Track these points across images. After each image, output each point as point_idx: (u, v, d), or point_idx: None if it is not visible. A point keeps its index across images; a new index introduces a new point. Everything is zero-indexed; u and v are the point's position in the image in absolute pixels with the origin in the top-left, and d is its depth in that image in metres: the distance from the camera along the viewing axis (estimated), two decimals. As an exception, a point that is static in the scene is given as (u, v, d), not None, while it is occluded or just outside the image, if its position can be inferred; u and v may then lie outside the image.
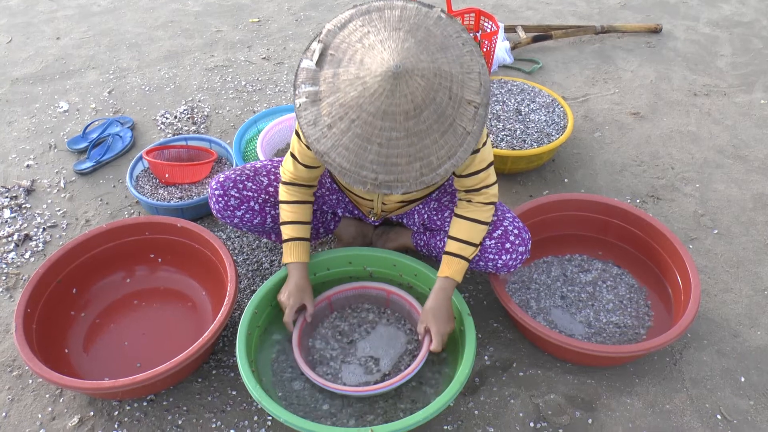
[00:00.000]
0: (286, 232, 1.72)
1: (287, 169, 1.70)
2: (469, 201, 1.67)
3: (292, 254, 1.72)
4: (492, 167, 1.62)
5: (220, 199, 1.71)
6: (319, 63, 1.31)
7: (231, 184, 1.71)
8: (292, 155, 1.65)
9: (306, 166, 1.65)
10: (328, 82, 1.29)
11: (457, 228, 1.67)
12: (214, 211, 1.74)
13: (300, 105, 1.33)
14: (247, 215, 1.73)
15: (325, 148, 1.31)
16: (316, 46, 1.32)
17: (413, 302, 1.80)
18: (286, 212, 1.72)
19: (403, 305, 1.84)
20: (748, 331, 1.93)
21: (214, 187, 1.72)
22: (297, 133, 1.60)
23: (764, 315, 1.98)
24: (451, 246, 1.67)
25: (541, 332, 1.70)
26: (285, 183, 1.72)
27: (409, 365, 1.69)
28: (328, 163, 1.32)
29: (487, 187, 1.64)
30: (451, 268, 1.65)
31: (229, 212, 1.72)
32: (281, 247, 2.16)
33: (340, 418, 1.66)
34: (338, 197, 1.89)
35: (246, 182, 1.73)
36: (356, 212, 1.95)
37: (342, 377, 1.71)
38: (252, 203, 1.72)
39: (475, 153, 1.54)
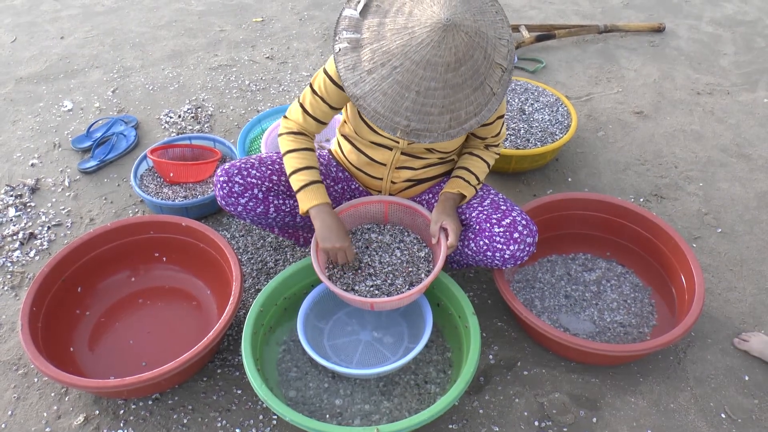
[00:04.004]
0: (301, 178, 1.67)
1: (294, 120, 1.74)
2: (486, 147, 1.82)
3: (315, 198, 1.65)
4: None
5: (225, 185, 1.72)
6: (363, 12, 1.40)
7: (235, 171, 1.72)
8: (302, 107, 1.70)
9: (315, 119, 1.70)
10: (373, 30, 1.38)
11: (470, 162, 1.79)
12: (218, 198, 1.75)
13: (340, 50, 1.41)
14: (251, 203, 1.73)
15: (361, 92, 1.39)
16: None
17: (412, 205, 1.80)
18: (295, 160, 1.69)
19: (403, 212, 1.83)
20: (752, 330, 1.93)
21: (219, 174, 1.73)
22: (311, 87, 1.66)
23: (768, 314, 1.98)
24: (459, 172, 1.77)
25: (545, 331, 1.70)
26: (289, 133, 1.73)
27: (429, 271, 1.71)
28: (362, 107, 1.40)
29: (498, 137, 1.79)
30: (458, 185, 1.74)
31: (233, 199, 1.73)
32: (286, 246, 2.16)
33: (346, 418, 1.66)
34: (344, 186, 1.89)
35: (250, 170, 1.73)
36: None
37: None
38: (255, 191, 1.73)
39: None
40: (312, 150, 1.73)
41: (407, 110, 1.38)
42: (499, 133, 1.77)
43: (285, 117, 1.77)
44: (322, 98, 1.65)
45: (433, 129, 1.41)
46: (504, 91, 1.44)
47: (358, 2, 1.40)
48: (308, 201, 1.65)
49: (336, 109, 1.68)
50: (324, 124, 1.73)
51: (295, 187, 1.68)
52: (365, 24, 1.39)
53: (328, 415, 1.66)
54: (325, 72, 1.62)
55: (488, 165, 1.81)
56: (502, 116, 1.72)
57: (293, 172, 1.68)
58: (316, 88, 1.65)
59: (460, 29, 1.32)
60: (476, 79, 1.38)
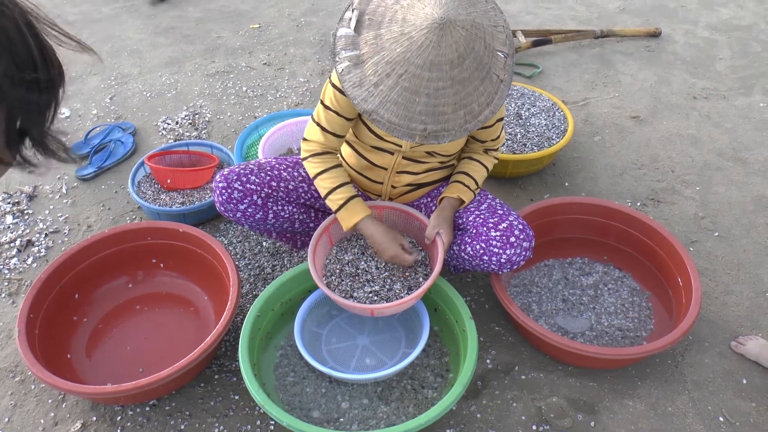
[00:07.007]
0: (338, 197, 1.68)
1: (314, 140, 1.71)
2: (485, 151, 1.83)
3: (356, 213, 1.67)
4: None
5: (224, 191, 1.72)
6: (357, 29, 1.40)
7: (234, 177, 1.72)
8: (320, 126, 1.67)
9: (336, 135, 1.68)
10: (371, 44, 1.38)
11: (469, 167, 1.80)
12: (217, 205, 1.75)
13: (342, 70, 1.41)
14: (250, 209, 1.74)
15: (372, 106, 1.39)
16: (352, 14, 1.40)
17: (405, 209, 1.81)
18: (327, 181, 1.69)
19: (397, 216, 1.83)
20: (749, 333, 1.93)
21: (218, 180, 1.73)
22: (322, 103, 1.65)
23: (765, 317, 1.98)
24: (458, 177, 1.78)
25: (543, 335, 1.70)
26: (312, 155, 1.71)
27: (427, 275, 1.72)
28: (376, 120, 1.40)
29: (498, 140, 1.80)
30: (458, 190, 1.76)
31: (232, 205, 1.73)
32: (283, 252, 2.16)
33: (343, 423, 1.66)
34: None
35: (249, 176, 1.73)
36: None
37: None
38: (255, 197, 1.73)
39: None
40: (340, 166, 1.73)
41: (421, 114, 1.38)
42: (498, 136, 1.78)
43: (305, 139, 1.74)
44: (336, 112, 1.62)
45: (449, 128, 1.41)
46: (510, 76, 1.44)
47: (350, 19, 1.40)
48: (350, 218, 1.67)
49: (351, 120, 1.66)
50: (343, 137, 1.71)
51: (333, 207, 1.69)
52: (362, 39, 1.39)
53: (325, 420, 1.66)
54: (332, 85, 1.60)
55: (487, 170, 1.82)
56: (501, 119, 1.73)
57: (328, 194, 1.69)
58: (327, 103, 1.62)
59: (456, 24, 1.33)
60: (482, 70, 1.39)
